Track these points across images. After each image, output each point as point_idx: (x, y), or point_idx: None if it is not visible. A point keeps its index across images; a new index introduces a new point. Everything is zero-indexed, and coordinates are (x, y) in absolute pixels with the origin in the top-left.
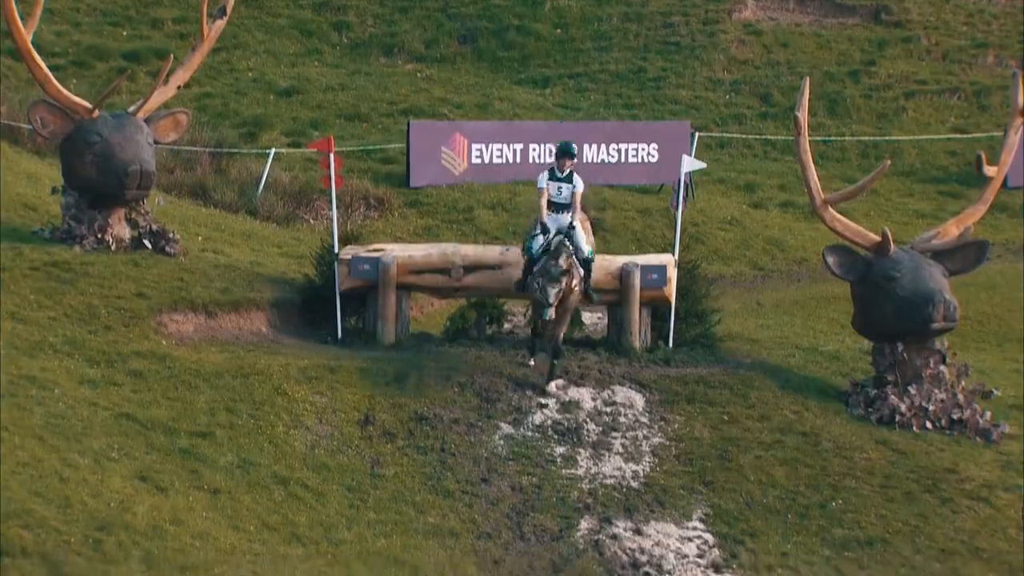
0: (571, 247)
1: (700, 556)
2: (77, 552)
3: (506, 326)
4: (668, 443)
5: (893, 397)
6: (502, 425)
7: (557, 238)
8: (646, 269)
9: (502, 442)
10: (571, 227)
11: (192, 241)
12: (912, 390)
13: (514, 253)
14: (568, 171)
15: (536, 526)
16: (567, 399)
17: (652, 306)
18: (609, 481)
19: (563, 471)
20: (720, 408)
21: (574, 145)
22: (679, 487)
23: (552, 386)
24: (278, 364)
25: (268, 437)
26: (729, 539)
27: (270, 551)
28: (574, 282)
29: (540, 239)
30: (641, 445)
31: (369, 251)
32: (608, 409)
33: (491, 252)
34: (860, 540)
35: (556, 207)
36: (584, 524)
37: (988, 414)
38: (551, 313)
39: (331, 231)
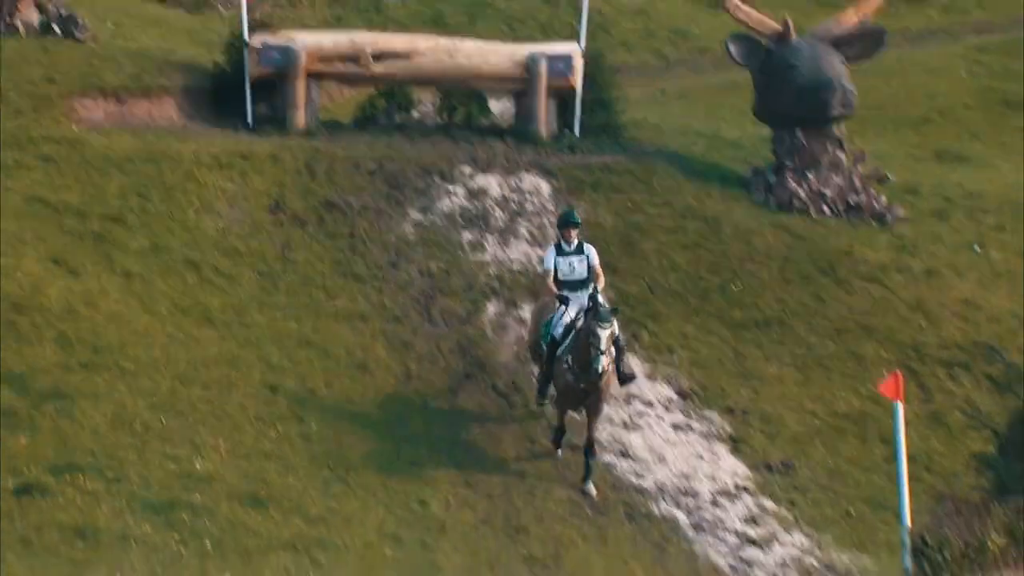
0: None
1: None
2: None
3: (415, 114)
4: None
5: (792, 183)
6: (411, 211)
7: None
8: (552, 58)
9: (411, 228)
10: (594, 297)
11: (101, 27)
12: (810, 175)
13: (424, 41)
14: (576, 242)
15: (444, 310)
16: (475, 186)
17: (558, 95)
18: (515, 266)
19: (470, 256)
20: (624, 195)
21: (576, 212)
22: None
23: (591, 487)
24: (189, 150)
25: (179, 222)
26: (632, 322)
27: (183, 333)
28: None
29: (564, 318)
30: (547, 231)
31: (279, 39)
32: (515, 196)
33: (400, 40)
34: (758, 321)
35: (571, 285)
36: (491, 308)
37: (883, 198)
38: (604, 362)
39: (240, 18)
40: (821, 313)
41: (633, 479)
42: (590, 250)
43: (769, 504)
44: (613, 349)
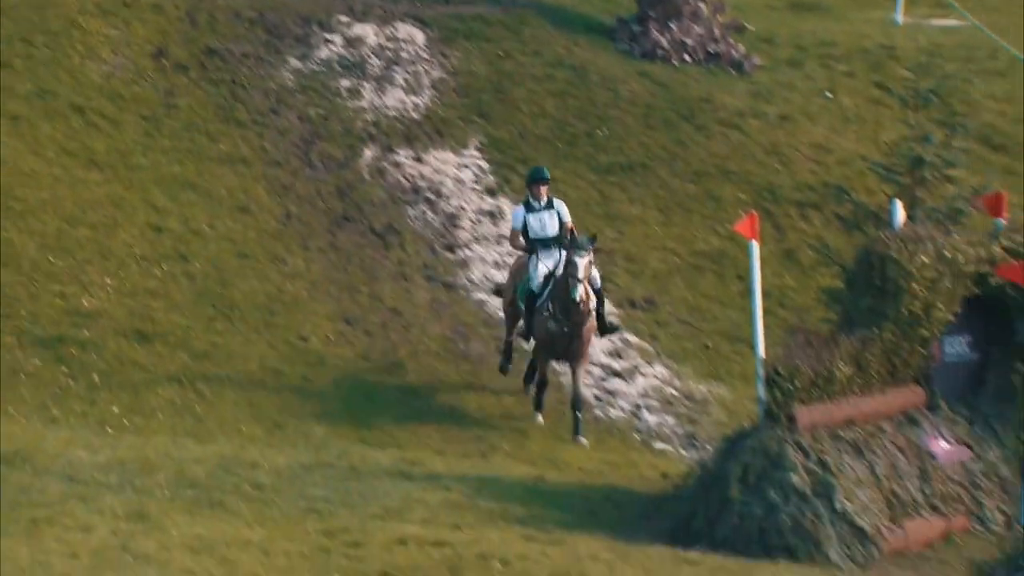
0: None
1: (476, 181)
2: None
3: None
4: (447, 77)
5: (655, 32)
6: (290, 59)
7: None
8: None
9: (290, 75)
10: (571, 232)
11: None
12: (672, 25)
13: None
14: (546, 198)
15: (323, 154)
16: (352, 35)
17: None
18: (392, 113)
19: (348, 103)
20: (496, 44)
21: (546, 169)
22: (457, 118)
23: (582, 440)
24: None
25: (65, 68)
26: (503, 166)
27: (69, 175)
28: (590, 304)
29: (540, 269)
30: (422, 79)
31: None
32: (390, 44)
33: None
34: (623, 165)
35: (543, 243)
36: (368, 153)
37: (741, 47)
38: (581, 291)
39: None
40: (682, 157)
41: (503, 315)
42: (560, 205)
43: (632, 338)
44: (594, 296)
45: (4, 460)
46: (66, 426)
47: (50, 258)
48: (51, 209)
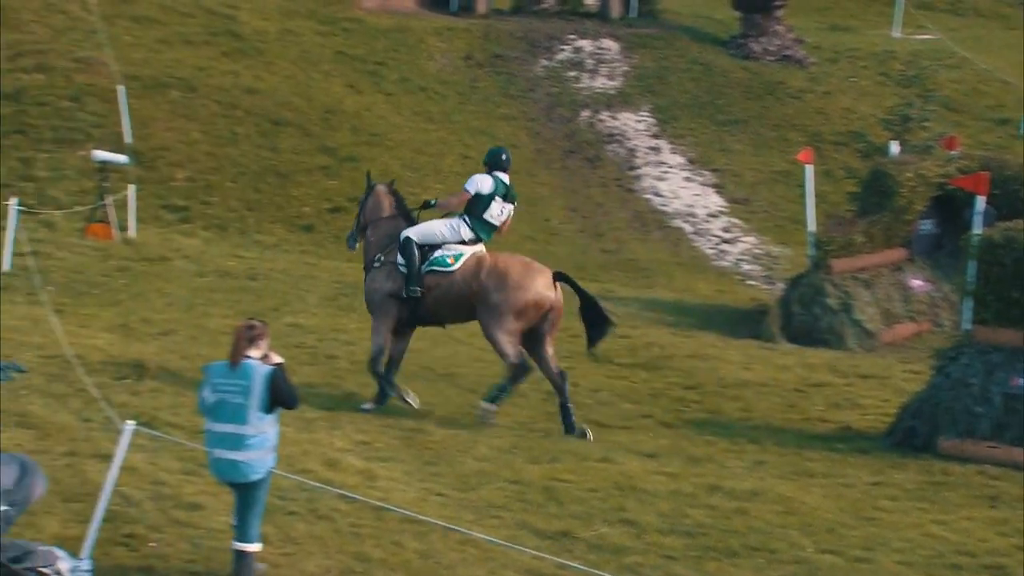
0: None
1: (646, 130)
2: None
3: None
4: (630, 69)
5: (752, 43)
6: (541, 60)
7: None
8: None
9: (540, 69)
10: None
11: None
12: (762, 39)
13: None
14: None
15: (558, 115)
16: (576, 46)
17: None
18: (598, 90)
19: (573, 85)
20: (659, 51)
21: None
22: (635, 93)
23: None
24: None
25: (416, 65)
26: (662, 121)
27: (417, 127)
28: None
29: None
30: (616, 71)
31: None
32: (598, 51)
33: None
34: (729, 120)
35: (486, 230)
36: (584, 114)
37: (802, 51)
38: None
39: None
40: (765, 116)
41: (661, 207)
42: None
43: (736, 221)
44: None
45: None
46: None
47: (407, 173)
48: (407, 145)
